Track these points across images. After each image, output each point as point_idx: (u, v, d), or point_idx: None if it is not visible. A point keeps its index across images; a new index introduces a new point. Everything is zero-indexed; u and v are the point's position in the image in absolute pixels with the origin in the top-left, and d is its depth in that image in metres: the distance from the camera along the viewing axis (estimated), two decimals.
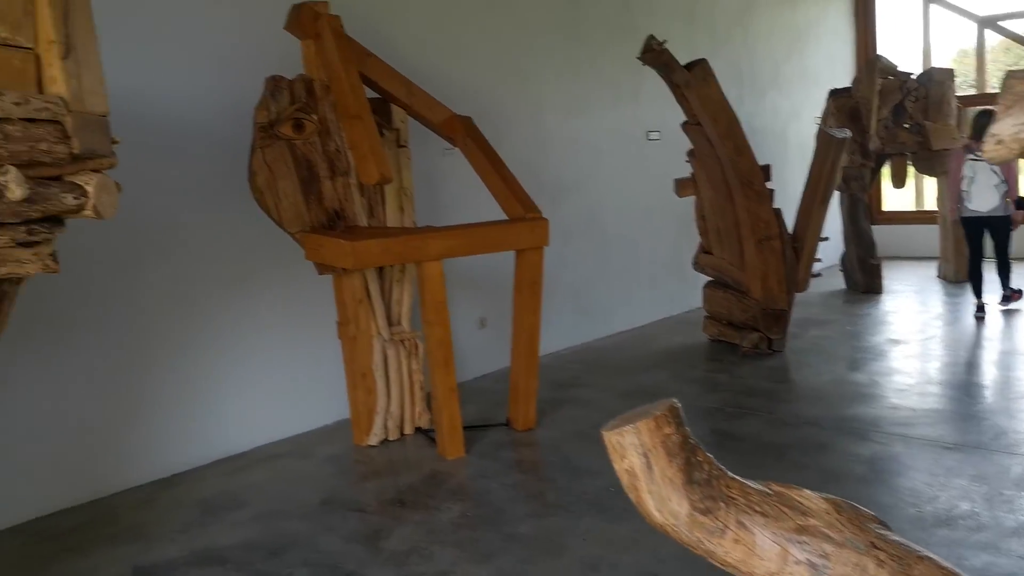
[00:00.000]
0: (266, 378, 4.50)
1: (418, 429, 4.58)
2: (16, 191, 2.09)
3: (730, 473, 1.26)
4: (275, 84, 4.08)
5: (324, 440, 4.53)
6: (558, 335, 6.12)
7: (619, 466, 1.24)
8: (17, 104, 2.11)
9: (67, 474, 3.75)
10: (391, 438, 4.46)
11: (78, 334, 3.78)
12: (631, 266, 6.96)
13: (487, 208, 4.71)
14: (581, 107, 6.41)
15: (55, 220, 2.32)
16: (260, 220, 4.13)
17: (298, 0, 4.17)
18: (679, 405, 1.24)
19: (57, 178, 2.29)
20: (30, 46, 2.22)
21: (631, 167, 6.87)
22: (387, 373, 4.45)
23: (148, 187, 3.90)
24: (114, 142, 2.44)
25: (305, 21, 4.16)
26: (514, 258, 4.37)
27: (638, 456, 1.20)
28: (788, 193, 6.78)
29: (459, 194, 5.36)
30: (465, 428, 4.25)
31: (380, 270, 4.45)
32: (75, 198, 2.29)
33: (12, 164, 2.11)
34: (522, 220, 4.26)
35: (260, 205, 4.06)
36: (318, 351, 4.66)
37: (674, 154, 6.50)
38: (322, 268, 4.22)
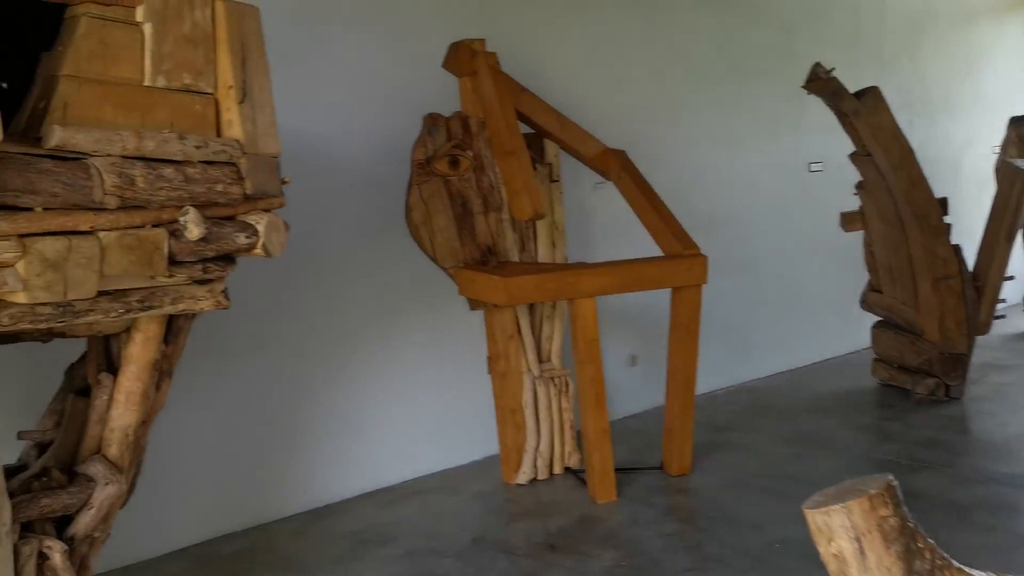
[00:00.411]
0: (417, 412, 4.52)
1: (568, 469, 4.47)
2: (194, 231, 2.15)
3: (956, 563, 1.08)
4: (432, 122, 4.13)
5: (473, 476, 4.49)
6: (712, 374, 5.87)
7: (824, 549, 1.09)
8: (197, 147, 2.18)
9: (227, 501, 3.87)
10: (540, 477, 4.37)
11: (238, 366, 3.91)
12: (791, 303, 6.62)
13: (641, 243, 4.59)
14: (738, 138, 6.19)
15: (227, 258, 2.38)
16: (415, 255, 4.17)
17: (456, 39, 4.23)
18: (896, 483, 1.09)
19: (230, 218, 2.35)
20: (210, 91, 2.30)
21: (791, 200, 6.57)
22: (537, 411, 4.38)
23: (308, 223, 4.01)
24: (283, 182, 2.49)
25: (462, 59, 4.20)
26: (667, 294, 4.22)
27: (849, 540, 1.05)
28: (964, 227, 6.28)
29: (611, 229, 5.26)
30: (617, 470, 4.11)
31: (531, 306, 4.40)
32: (247, 237, 2.34)
33: (191, 205, 2.18)
34: (679, 257, 4.10)
35: (415, 240, 4.10)
36: (468, 386, 4.64)
37: (838, 186, 6.15)
38: (474, 303, 4.21)
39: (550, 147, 4.60)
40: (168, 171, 2.12)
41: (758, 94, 6.30)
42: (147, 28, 2.14)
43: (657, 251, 4.40)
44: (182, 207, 2.17)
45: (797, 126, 6.53)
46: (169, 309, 2.29)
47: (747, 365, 6.30)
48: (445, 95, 4.32)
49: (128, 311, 2.18)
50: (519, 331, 4.38)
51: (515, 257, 4.32)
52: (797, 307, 6.68)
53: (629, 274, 3.99)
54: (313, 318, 4.16)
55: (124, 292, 2.17)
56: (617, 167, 4.58)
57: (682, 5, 5.81)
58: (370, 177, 4.30)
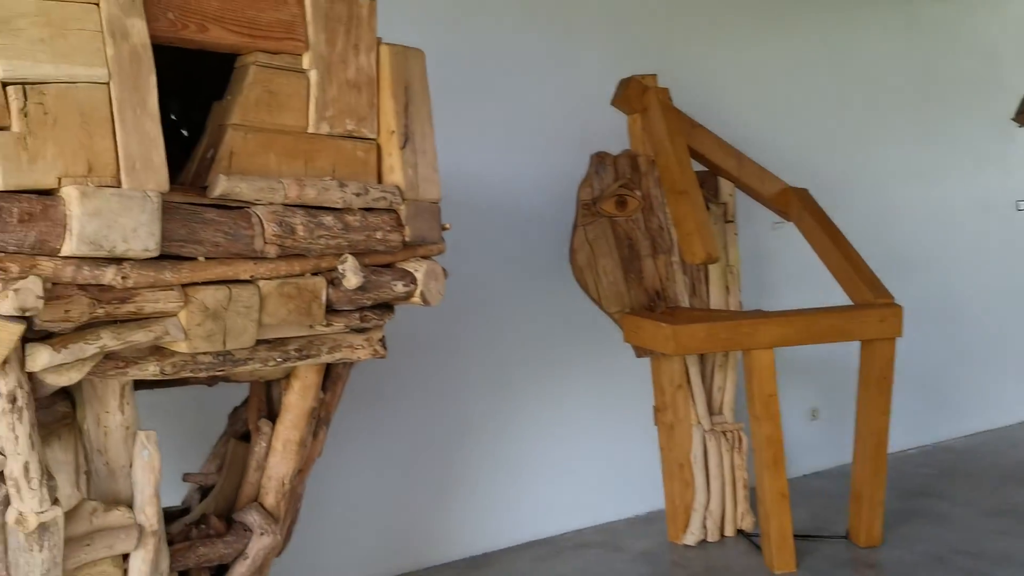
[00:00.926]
0: (578, 461, 4.34)
1: (740, 532, 4.14)
2: (352, 279, 2.09)
3: None
4: (599, 161, 3.99)
5: (636, 533, 4.25)
6: (904, 431, 5.34)
7: None
8: (358, 195, 2.13)
9: (383, 546, 3.83)
10: (710, 539, 4.07)
11: (394, 410, 3.88)
12: (995, 355, 5.95)
13: (825, 290, 4.23)
14: (933, 174, 5.67)
15: (385, 307, 2.31)
16: (578, 298, 4.03)
17: (625, 75, 4.08)
18: None
19: (389, 265, 2.29)
20: (372, 137, 2.25)
21: (995, 241, 5.93)
22: (707, 466, 4.09)
23: (469, 263, 3.96)
24: (444, 228, 2.40)
25: (632, 95, 4.04)
26: (853, 342, 3.85)
27: None
28: None
29: (791, 273, 4.91)
30: (796, 537, 3.75)
31: (702, 354, 4.14)
32: (405, 285, 2.27)
33: (349, 253, 2.12)
34: (870, 306, 3.73)
35: (579, 283, 3.95)
36: (633, 436, 4.42)
37: None
38: (640, 350, 4.00)
39: (724, 185, 4.35)
40: (328, 219, 2.08)
41: (958, 126, 5.75)
42: (312, 75, 2.12)
43: (843, 298, 4.04)
44: (341, 255, 2.13)
45: (1003, 160, 5.91)
46: (327, 358, 2.24)
47: (944, 422, 5.70)
48: (613, 133, 4.17)
49: (286, 360, 2.15)
50: (688, 381, 4.13)
51: (685, 302, 4.08)
52: (1002, 359, 6.00)
53: (813, 324, 3.66)
54: (471, 362, 4.08)
55: (283, 341, 2.15)
56: (798, 206, 4.26)
57: (872, 30, 5.41)
58: (533, 217, 4.20)
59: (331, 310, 2.16)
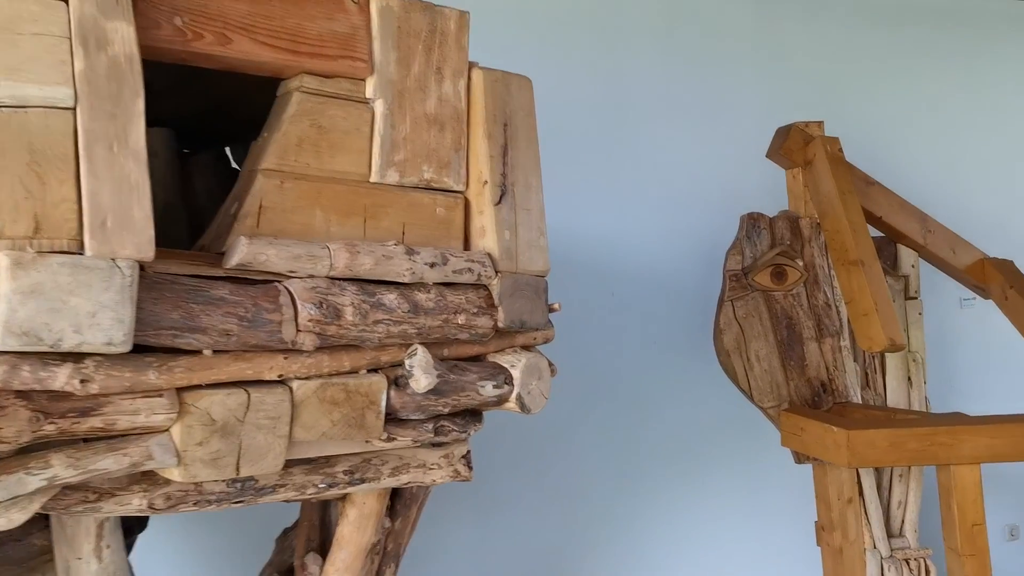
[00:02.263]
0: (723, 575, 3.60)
1: None
2: (422, 380, 1.52)
3: None
4: (752, 223, 3.31)
5: None
6: None
7: None
8: (432, 265, 1.56)
9: None
10: None
11: (505, 519, 3.27)
12: None
13: None
14: None
15: (471, 414, 1.73)
16: (725, 386, 3.33)
17: (786, 123, 3.41)
18: None
19: (476, 358, 1.71)
20: (459, 189, 1.69)
21: None
22: None
23: (593, 342, 3.34)
24: (551, 309, 1.81)
25: (793, 146, 3.37)
26: None
27: None
28: None
29: (986, 362, 4.04)
30: None
31: None
32: (496, 386, 1.68)
33: (419, 343, 1.56)
34: None
35: (725, 370, 3.26)
36: (790, 557, 3.63)
37: None
38: (801, 456, 3.25)
39: (905, 255, 3.57)
40: (390, 297, 1.53)
41: None
42: (378, 106, 1.59)
43: None
44: (408, 346, 1.57)
45: None
46: (389, 482, 1.67)
47: None
48: (769, 191, 3.50)
49: (332, 486, 1.60)
50: (861, 493, 3.33)
51: (857, 397, 3.31)
52: None
53: None
54: (595, 456, 3.44)
55: (327, 460, 1.59)
56: (1001, 280, 3.44)
57: None
58: (671, 290, 3.56)
59: (394, 419, 1.59)
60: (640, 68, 3.55)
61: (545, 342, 1.83)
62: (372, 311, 1.50)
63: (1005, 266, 3.48)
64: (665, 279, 3.56)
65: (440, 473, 1.72)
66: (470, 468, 1.77)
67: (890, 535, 3.37)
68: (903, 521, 3.41)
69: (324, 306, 1.45)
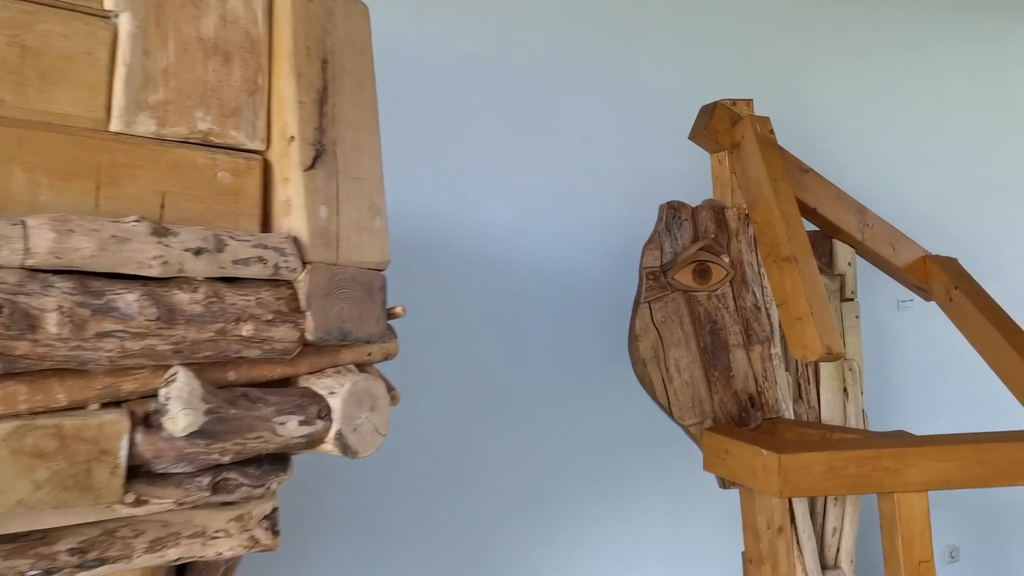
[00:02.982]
0: None
1: None
2: (180, 419, 1.04)
3: None
4: (673, 214, 2.90)
5: None
6: None
7: None
8: (198, 252, 1.07)
9: None
10: None
11: (398, 540, 2.80)
12: None
13: (980, 392, 3.04)
14: None
15: (273, 460, 1.25)
16: (644, 400, 2.91)
17: (709, 100, 3.01)
18: None
19: (283, 382, 1.23)
20: (254, 147, 1.21)
21: None
22: None
23: (490, 349, 2.90)
24: (392, 315, 1.34)
25: (719, 127, 2.97)
26: None
27: None
28: None
29: (927, 370, 3.71)
30: None
31: None
32: (303, 422, 1.20)
33: (180, 364, 1.07)
34: None
35: (642, 381, 2.84)
36: None
37: None
38: (726, 480, 2.85)
39: (842, 251, 3.21)
40: (128, 299, 1.04)
41: None
42: (124, 21, 1.10)
43: (1006, 406, 2.86)
44: (164, 369, 1.08)
45: None
46: (148, 560, 1.18)
47: None
48: (692, 177, 3.10)
49: (53, 572, 1.10)
50: (792, 521, 2.95)
51: (789, 412, 2.93)
52: None
53: (988, 460, 2.46)
54: (498, 481, 2.99)
55: (44, 536, 1.10)
56: (944, 280, 3.11)
57: None
58: (579, 290, 3.13)
59: (146, 474, 1.11)
60: (548, 35, 3.11)
61: (385, 358, 1.36)
62: (95, 319, 1.01)
63: (949, 265, 3.14)
64: (576, 277, 3.13)
65: (228, 543, 1.23)
66: (275, 533, 1.29)
67: (824, 566, 3.00)
68: (838, 551, 3.04)
69: (7, 311, 0.95)
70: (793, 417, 2.93)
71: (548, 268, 3.07)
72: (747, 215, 2.92)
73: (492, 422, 2.96)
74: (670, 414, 2.83)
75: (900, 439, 2.62)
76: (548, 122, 3.07)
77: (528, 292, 3.00)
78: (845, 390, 3.14)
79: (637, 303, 2.84)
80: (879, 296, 3.62)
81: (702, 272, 2.85)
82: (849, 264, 3.24)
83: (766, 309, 2.92)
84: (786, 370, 2.98)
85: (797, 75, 3.61)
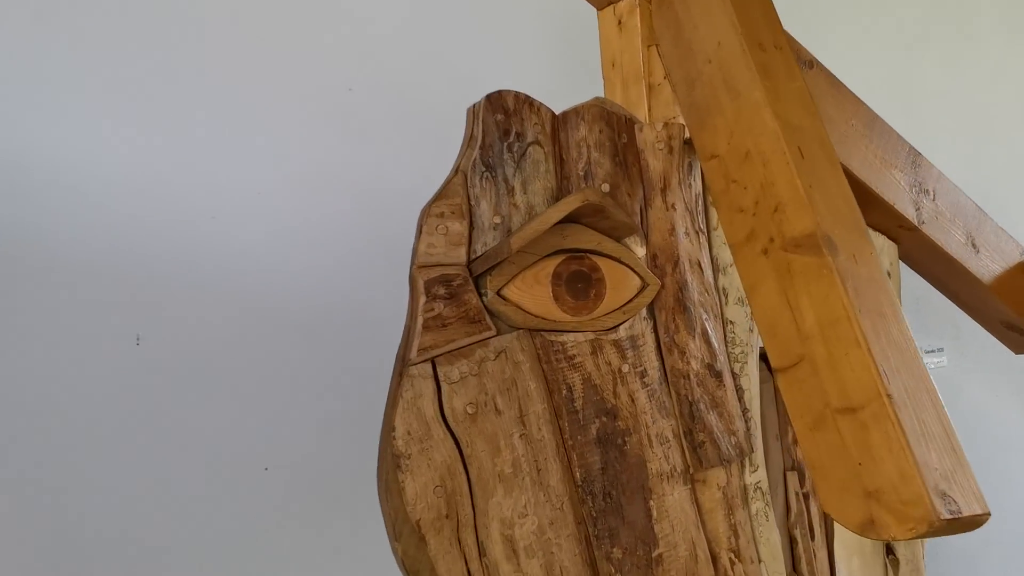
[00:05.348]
0: None
1: None
2: None
3: None
4: (501, 124, 1.09)
5: None
6: None
7: None
8: None
9: None
10: None
11: None
12: None
13: None
14: None
15: None
16: None
17: None
18: None
19: None
20: None
21: None
22: None
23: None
24: None
25: None
26: None
27: None
28: None
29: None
30: None
31: None
32: None
33: None
34: None
35: (406, 571, 1.00)
36: None
37: None
38: None
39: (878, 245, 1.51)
40: None
41: None
42: None
43: None
44: None
45: None
46: None
47: None
48: (551, 58, 1.34)
49: None
50: None
51: None
52: None
53: None
54: None
55: None
56: None
57: None
58: (297, 322, 1.31)
59: None
60: None
61: None
62: None
63: None
64: (290, 293, 1.31)
65: None
66: None
67: None
68: None
69: None
70: None
71: (233, 279, 1.24)
72: (689, 141, 1.16)
73: None
74: None
75: None
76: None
77: (151, 337, 1.17)
78: (890, 551, 1.42)
79: (403, 364, 1.01)
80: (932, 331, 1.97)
81: (578, 280, 1.06)
82: (888, 274, 1.55)
83: (734, 373, 1.16)
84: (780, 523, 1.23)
85: None
